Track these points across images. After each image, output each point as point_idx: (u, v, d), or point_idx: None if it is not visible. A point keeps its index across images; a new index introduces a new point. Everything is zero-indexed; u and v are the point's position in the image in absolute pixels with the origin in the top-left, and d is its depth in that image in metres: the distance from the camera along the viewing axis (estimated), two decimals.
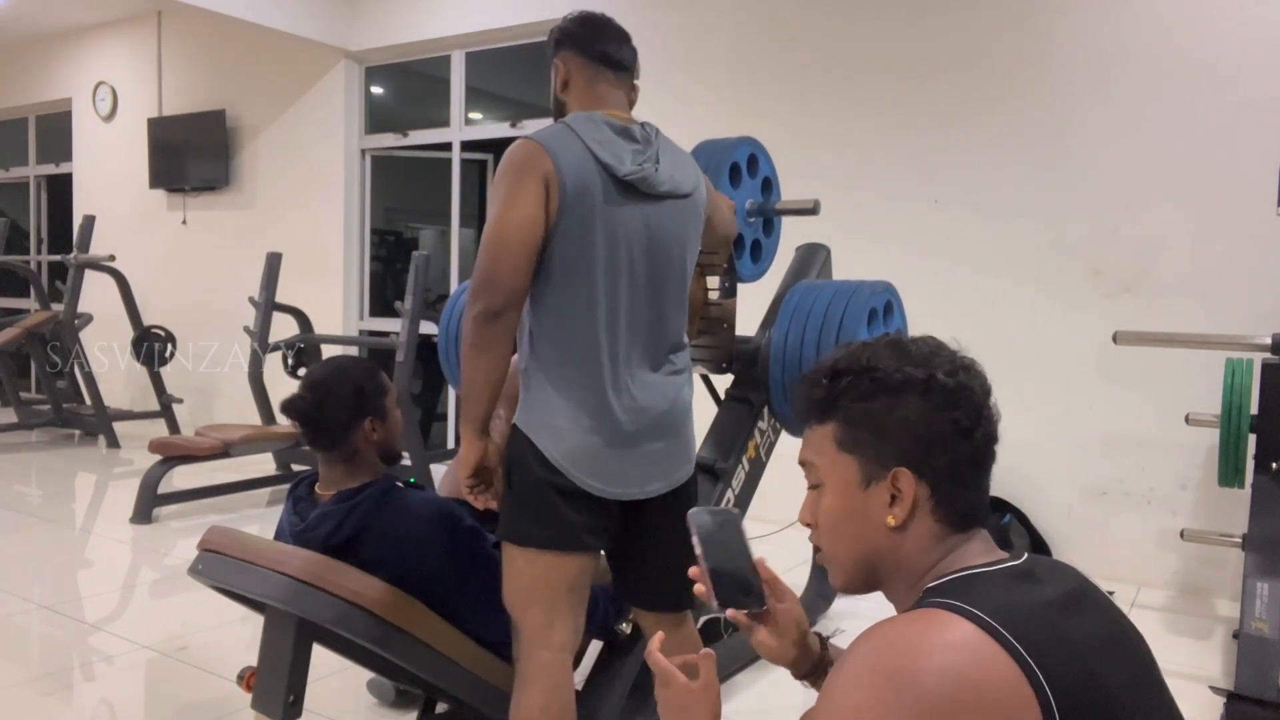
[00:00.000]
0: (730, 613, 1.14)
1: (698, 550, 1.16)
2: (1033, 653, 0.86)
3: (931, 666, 0.85)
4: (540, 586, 1.73)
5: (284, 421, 5.48)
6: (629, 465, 1.76)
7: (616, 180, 1.71)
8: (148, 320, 6.46)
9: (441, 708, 2.31)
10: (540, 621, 1.73)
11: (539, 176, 1.66)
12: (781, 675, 1.30)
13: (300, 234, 6.47)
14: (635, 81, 1.90)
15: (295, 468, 5.36)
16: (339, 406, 1.93)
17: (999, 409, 1.04)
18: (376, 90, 6.62)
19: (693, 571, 1.15)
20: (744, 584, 1.15)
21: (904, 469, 1.00)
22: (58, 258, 6.73)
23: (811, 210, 2.74)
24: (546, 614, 1.73)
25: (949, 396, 1.00)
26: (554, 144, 1.68)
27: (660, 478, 1.81)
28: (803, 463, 1.11)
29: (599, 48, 1.83)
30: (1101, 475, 3.95)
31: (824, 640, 1.23)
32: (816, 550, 1.12)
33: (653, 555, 1.86)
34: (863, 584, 1.09)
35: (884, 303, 2.69)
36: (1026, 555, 1.02)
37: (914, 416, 1.01)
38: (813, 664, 1.21)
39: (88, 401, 6.41)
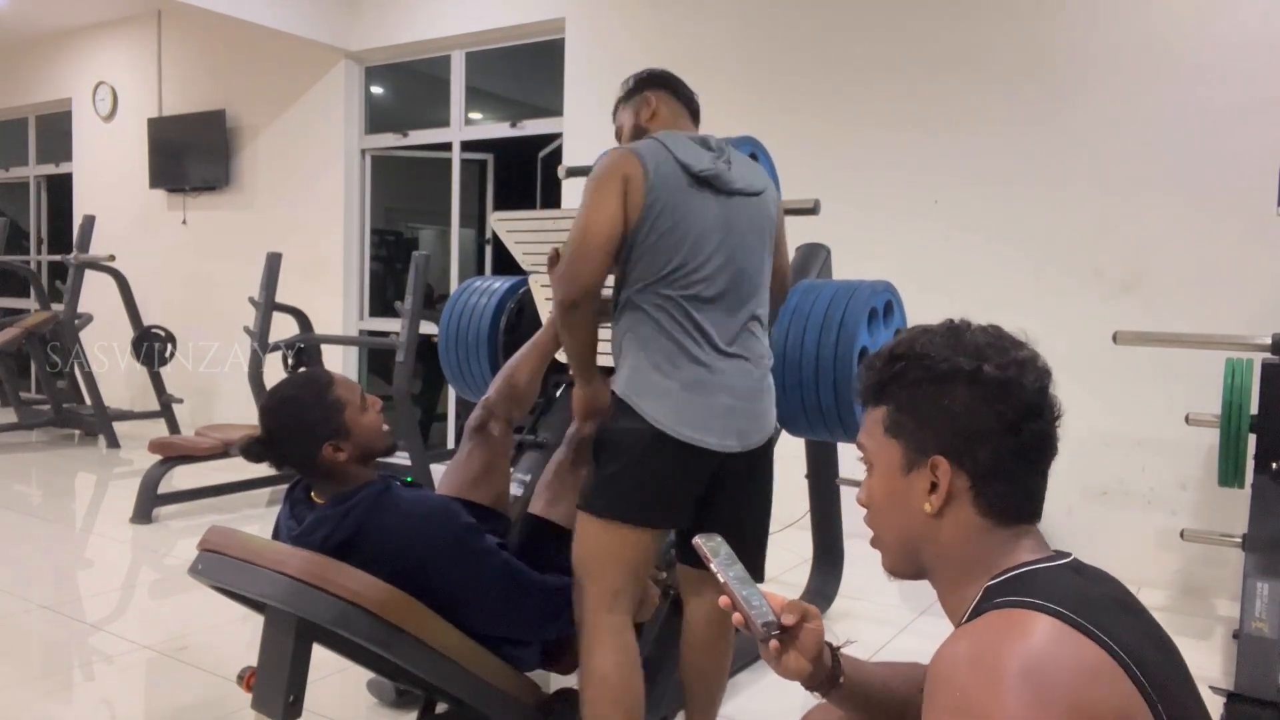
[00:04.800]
0: (773, 644, 1.12)
1: (723, 578, 1.15)
2: (1115, 641, 0.87)
3: (1058, 663, 0.85)
4: (613, 556, 1.91)
5: None
6: (711, 418, 1.89)
7: (693, 176, 1.91)
8: (148, 320, 6.46)
9: (441, 708, 2.31)
10: (609, 588, 1.90)
11: (620, 176, 1.87)
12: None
13: (300, 234, 6.47)
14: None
15: None
16: (293, 443, 1.92)
17: (1059, 406, 1.03)
18: (376, 90, 6.63)
19: (723, 601, 1.14)
20: (768, 610, 1.14)
21: (942, 458, 1.00)
22: (58, 258, 6.74)
23: (812, 210, 2.74)
24: (617, 581, 1.90)
25: (996, 389, 1.00)
26: (640, 148, 1.92)
27: (735, 436, 1.93)
28: (858, 444, 1.12)
29: (687, 95, 2.13)
30: (1101, 475, 3.95)
31: (835, 650, 1.21)
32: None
33: (719, 513, 1.98)
34: (907, 567, 1.09)
35: (884, 302, 2.69)
36: (1071, 554, 1.02)
37: (958, 407, 1.00)
38: (825, 675, 1.19)
39: (88, 401, 6.41)
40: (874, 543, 1.11)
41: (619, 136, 2.15)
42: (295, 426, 1.92)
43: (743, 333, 1.96)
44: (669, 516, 1.95)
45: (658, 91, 2.10)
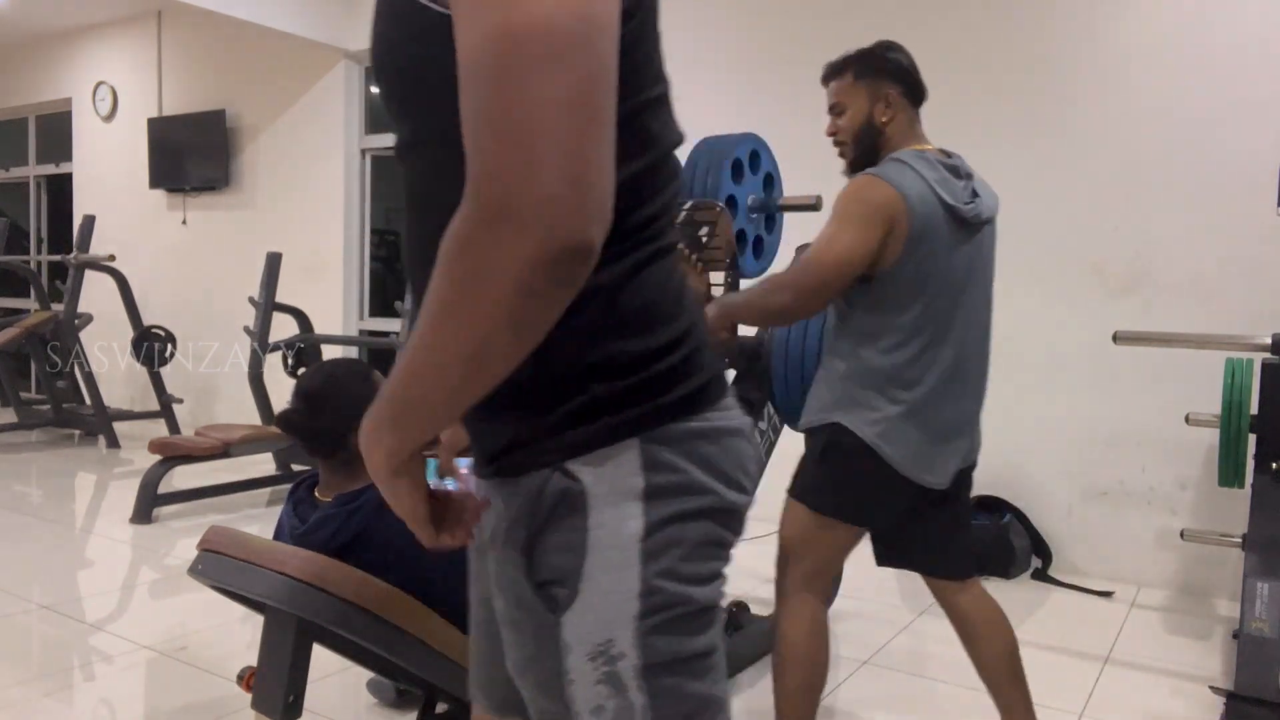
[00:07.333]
0: None
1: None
2: None
3: None
4: (822, 544, 2.02)
5: None
6: (946, 458, 1.96)
7: (956, 218, 1.86)
8: (148, 320, 6.45)
9: (441, 708, 2.31)
10: (812, 570, 2.02)
11: (889, 217, 1.80)
12: None
13: (300, 234, 6.47)
14: None
15: (295, 468, 5.36)
16: (332, 415, 1.91)
17: None
18: (376, 90, 6.63)
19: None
20: None
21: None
22: (58, 258, 6.73)
23: (814, 206, 2.74)
24: (819, 565, 2.02)
25: None
26: (906, 185, 1.82)
27: (950, 475, 2.00)
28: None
29: (922, 90, 2.03)
30: (1101, 475, 3.95)
31: None
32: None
33: (942, 530, 2.09)
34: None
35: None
36: None
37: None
38: None
39: (88, 401, 6.41)
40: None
41: (834, 111, 2.01)
42: (338, 401, 1.93)
43: (971, 366, 1.98)
44: (875, 521, 2.06)
45: (897, 87, 1.95)
